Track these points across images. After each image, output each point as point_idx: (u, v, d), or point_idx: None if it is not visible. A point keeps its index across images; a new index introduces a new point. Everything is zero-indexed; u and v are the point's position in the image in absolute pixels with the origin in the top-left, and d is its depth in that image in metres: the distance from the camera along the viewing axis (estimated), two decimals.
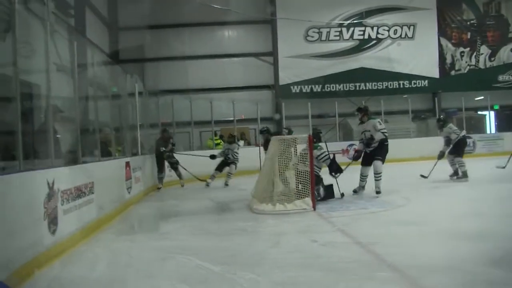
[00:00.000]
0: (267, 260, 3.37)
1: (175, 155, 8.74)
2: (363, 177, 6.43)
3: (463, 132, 7.78)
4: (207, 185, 8.58)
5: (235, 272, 3.06)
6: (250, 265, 3.22)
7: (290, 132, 7.58)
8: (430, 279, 2.71)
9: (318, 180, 5.85)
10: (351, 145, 12.16)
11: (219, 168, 8.84)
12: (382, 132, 6.28)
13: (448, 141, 7.55)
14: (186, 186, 8.78)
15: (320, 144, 6.13)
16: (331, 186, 6.10)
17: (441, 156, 7.67)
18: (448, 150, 7.61)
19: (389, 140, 6.40)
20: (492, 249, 3.31)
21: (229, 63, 14.39)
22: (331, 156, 6.27)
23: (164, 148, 8.38)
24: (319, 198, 5.72)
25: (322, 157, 6.02)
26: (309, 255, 3.44)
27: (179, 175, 8.78)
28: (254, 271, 3.05)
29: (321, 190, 5.93)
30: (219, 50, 14.40)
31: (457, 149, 7.46)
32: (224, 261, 3.36)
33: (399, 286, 2.70)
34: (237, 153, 8.87)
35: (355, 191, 6.40)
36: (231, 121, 12.11)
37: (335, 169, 6.17)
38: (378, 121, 6.44)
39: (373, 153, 6.34)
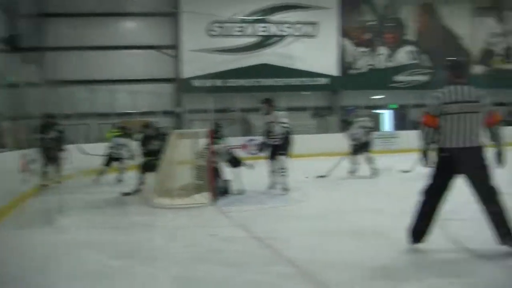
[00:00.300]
0: (166, 255, 4.35)
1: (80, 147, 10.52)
2: (272, 173, 8.13)
3: (360, 132, 9.96)
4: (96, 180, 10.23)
5: (133, 267, 3.90)
6: (149, 260, 4.13)
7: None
8: (328, 275, 3.51)
9: (217, 174, 7.71)
10: (251, 140, 17.24)
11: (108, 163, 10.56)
12: (283, 126, 8.01)
13: (355, 139, 9.94)
14: (85, 178, 10.45)
15: (221, 138, 8.19)
16: (227, 181, 7.88)
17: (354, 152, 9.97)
18: (354, 149, 9.88)
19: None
20: (390, 245, 4.26)
21: (131, 55, 18.42)
22: (232, 150, 8.37)
23: (43, 135, 9.37)
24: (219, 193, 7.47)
25: (223, 151, 8.04)
26: (208, 250, 4.47)
27: (57, 170, 9.72)
28: (153, 266, 3.93)
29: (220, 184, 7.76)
30: (122, 41, 18.31)
31: (359, 148, 9.87)
32: (123, 255, 4.25)
33: (296, 281, 3.51)
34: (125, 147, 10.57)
35: (271, 187, 8.08)
36: (132, 114, 17.01)
37: (235, 163, 8.20)
38: (282, 114, 8.20)
39: (276, 148, 8.05)
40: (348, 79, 20.07)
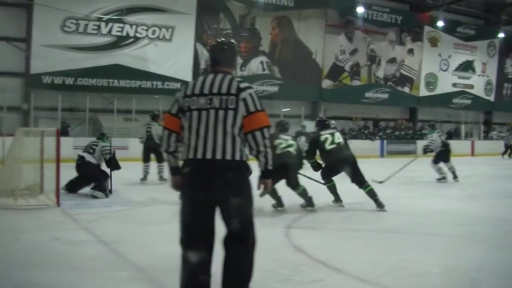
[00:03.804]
0: (5, 258, 5.09)
1: None
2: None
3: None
4: None
5: None
6: None
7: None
8: (174, 280, 3.89)
9: (104, 174, 10.05)
10: None
11: None
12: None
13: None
14: None
15: (103, 139, 10.47)
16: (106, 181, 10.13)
17: None
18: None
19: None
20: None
21: None
22: (113, 151, 10.21)
23: None
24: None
25: (105, 151, 10.06)
26: (50, 253, 5.31)
27: None
28: None
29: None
30: None
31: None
32: None
33: (141, 286, 4.35)
34: None
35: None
36: None
37: (114, 165, 10.21)
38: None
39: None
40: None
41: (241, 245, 3.57)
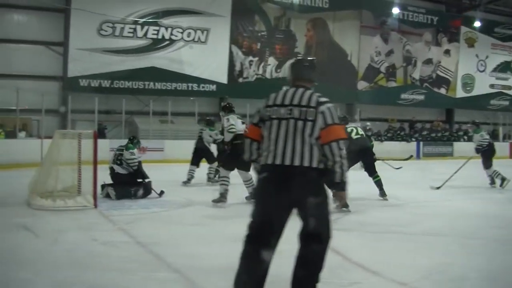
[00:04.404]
0: (45, 259, 5.22)
1: None
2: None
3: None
4: None
5: (8, 272, 4.72)
6: (27, 264, 4.93)
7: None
8: (210, 281, 4.38)
9: (138, 175, 10.11)
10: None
11: None
12: (228, 130, 9.28)
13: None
14: None
15: (137, 143, 10.59)
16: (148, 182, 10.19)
17: None
18: None
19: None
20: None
21: (16, 49, 22.76)
22: (137, 162, 10.18)
23: None
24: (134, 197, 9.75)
25: (131, 164, 10.04)
26: (89, 254, 5.43)
27: None
28: (31, 271, 4.73)
29: (141, 190, 9.97)
30: (7, 34, 22.47)
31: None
32: None
33: (177, 286, 4.48)
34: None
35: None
36: (14, 110, 20.95)
37: (140, 176, 10.13)
38: (227, 118, 9.54)
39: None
40: (236, 87, 25.87)
41: (318, 243, 3.75)
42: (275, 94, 3.96)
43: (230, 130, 9.24)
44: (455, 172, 12.37)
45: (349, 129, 9.86)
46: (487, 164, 12.87)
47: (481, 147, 12.97)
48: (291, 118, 3.77)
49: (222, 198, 9.13)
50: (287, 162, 3.70)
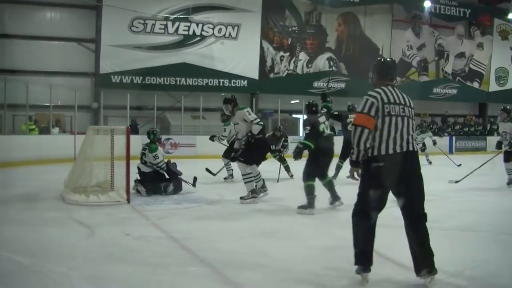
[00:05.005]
0: (79, 253, 5.33)
1: None
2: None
3: None
4: None
5: (44, 265, 4.79)
6: (61, 258, 5.10)
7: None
8: (242, 276, 4.50)
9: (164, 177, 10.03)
10: (168, 139, 22.25)
11: None
12: (258, 123, 8.96)
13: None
14: None
15: (155, 135, 10.09)
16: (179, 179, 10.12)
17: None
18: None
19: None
20: (303, 248, 5.69)
21: (49, 46, 23.10)
22: (165, 162, 10.11)
23: None
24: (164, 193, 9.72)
25: (158, 165, 9.94)
26: (122, 249, 5.54)
27: None
28: (65, 264, 4.83)
29: (171, 186, 9.89)
30: (40, 31, 22.86)
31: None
32: (33, 253, 5.23)
33: (211, 282, 4.51)
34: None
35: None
36: (47, 107, 21.13)
37: (173, 173, 10.04)
38: (247, 111, 9.11)
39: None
40: (267, 82, 25.83)
41: (424, 223, 4.52)
42: (384, 92, 4.51)
43: (260, 123, 9.06)
44: (477, 168, 11.72)
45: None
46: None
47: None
48: (405, 116, 4.48)
49: (254, 194, 9.06)
50: (410, 149, 4.44)
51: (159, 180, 10.11)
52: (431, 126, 26.11)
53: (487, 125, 30.67)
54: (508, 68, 32.95)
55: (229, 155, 10.99)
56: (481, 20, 31.46)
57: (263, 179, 9.16)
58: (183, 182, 10.35)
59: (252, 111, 10.19)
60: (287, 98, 25.85)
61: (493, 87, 32.39)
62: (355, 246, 4.53)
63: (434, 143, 18.77)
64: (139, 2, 23.52)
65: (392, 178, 4.38)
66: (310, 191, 8.07)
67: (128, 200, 8.77)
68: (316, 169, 8.27)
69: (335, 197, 8.42)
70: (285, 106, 25.40)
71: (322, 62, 26.98)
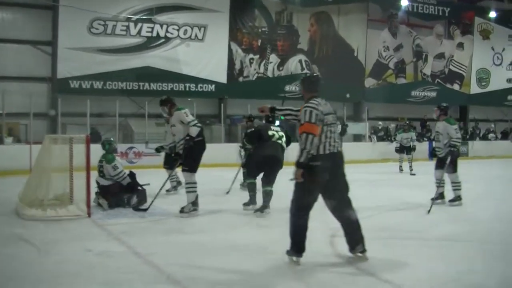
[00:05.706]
0: (37, 271, 5.16)
1: None
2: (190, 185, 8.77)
3: None
4: None
5: None
6: (17, 278, 4.91)
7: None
8: None
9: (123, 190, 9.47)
10: (131, 147, 21.10)
11: None
12: (195, 124, 8.69)
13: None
14: None
15: (110, 145, 9.72)
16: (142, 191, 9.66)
17: None
18: None
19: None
20: (275, 260, 5.57)
21: (1, 49, 21.65)
22: (127, 173, 9.66)
23: None
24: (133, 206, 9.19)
25: (118, 178, 9.47)
26: (82, 266, 5.34)
27: None
28: (21, 285, 4.71)
29: (134, 198, 9.42)
30: None
31: None
32: None
33: None
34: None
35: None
36: (0, 114, 19.94)
37: (136, 187, 9.62)
38: (185, 112, 8.86)
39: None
40: (236, 86, 24.76)
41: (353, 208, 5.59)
42: (320, 102, 5.53)
43: (197, 125, 8.99)
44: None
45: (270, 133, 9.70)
46: (455, 168, 9.85)
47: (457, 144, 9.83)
48: (336, 124, 5.64)
49: (195, 206, 8.87)
50: (340, 149, 5.58)
51: (121, 192, 9.59)
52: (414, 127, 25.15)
53: (469, 129, 29.64)
54: (490, 69, 31.92)
55: (172, 164, 10.19)
56: (462, 18, 30.54)
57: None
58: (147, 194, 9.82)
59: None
60: (257, 103, 24.49)
61: (474, 89, 31.35)
62: (293, 237, 5.42)
63: (414, 148, 18.02)
64: (99, 2, 22.37)
65: (327, 172, 5.36)
66: (250, 188, 9.18)
67: (89, 214, 8.42)
68: (251, 169, 9.42)
69: (265, 206, 8.66)
70: (255, 111, 24.17)
71: (294, 65, 25.82)
